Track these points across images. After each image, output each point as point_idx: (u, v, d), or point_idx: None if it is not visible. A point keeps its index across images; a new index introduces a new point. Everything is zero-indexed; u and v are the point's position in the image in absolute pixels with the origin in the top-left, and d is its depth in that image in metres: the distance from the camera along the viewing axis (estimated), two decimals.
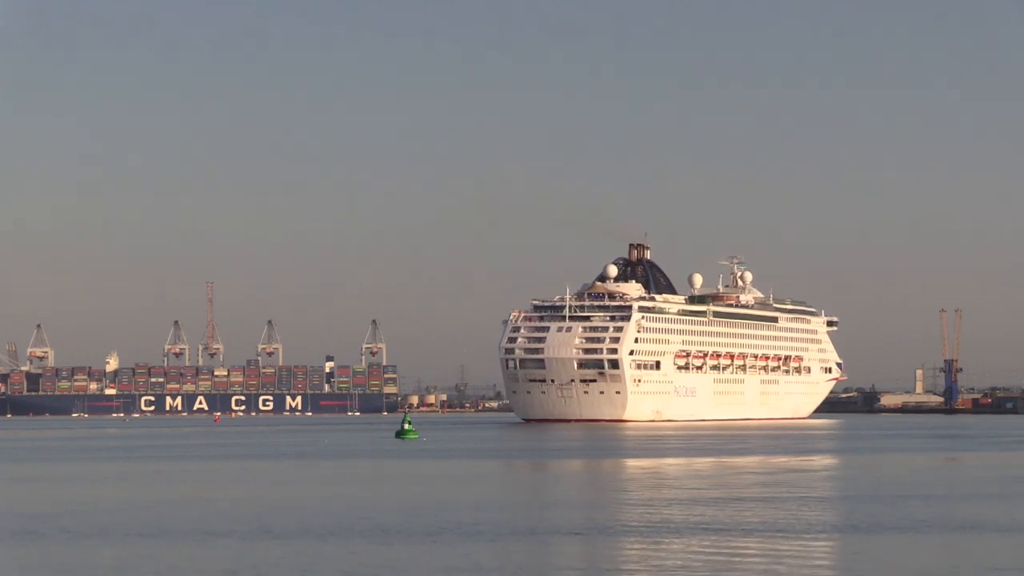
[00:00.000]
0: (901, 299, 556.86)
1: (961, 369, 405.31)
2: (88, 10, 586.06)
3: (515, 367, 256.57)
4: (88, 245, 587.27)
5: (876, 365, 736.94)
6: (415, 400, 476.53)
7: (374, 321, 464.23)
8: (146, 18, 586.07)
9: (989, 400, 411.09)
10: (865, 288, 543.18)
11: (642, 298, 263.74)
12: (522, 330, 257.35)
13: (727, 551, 44.57)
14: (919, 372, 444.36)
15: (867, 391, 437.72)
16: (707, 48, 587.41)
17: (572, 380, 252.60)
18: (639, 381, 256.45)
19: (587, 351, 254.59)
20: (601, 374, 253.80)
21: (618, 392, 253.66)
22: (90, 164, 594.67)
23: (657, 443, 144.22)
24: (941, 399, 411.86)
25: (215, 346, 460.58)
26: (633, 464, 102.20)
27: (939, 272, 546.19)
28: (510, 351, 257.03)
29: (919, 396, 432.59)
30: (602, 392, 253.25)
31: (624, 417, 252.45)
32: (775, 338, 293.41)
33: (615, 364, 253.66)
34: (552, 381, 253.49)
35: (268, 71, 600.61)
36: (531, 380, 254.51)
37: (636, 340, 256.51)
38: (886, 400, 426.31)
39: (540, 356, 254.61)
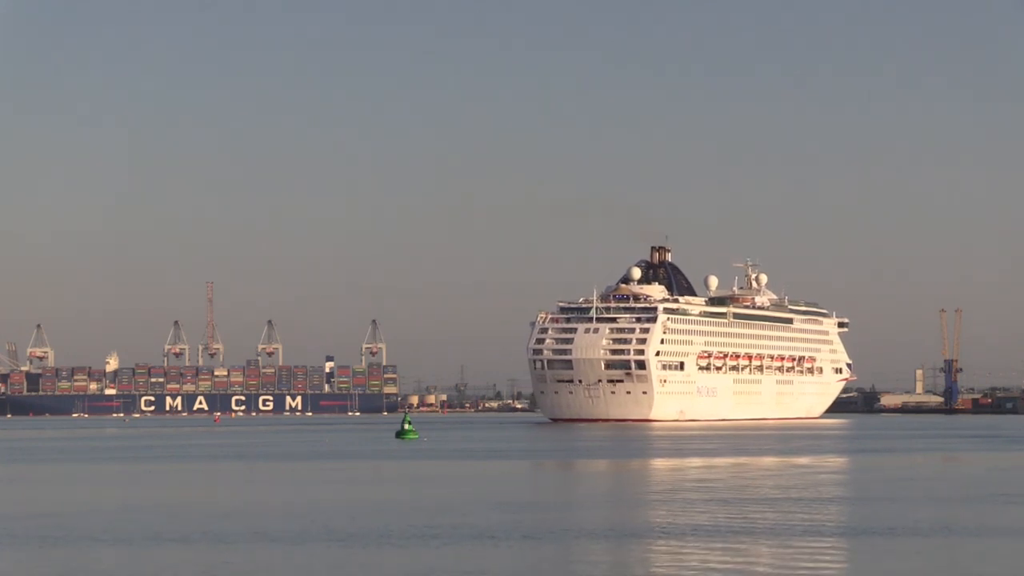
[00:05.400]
0: (901, 299, 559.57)
1: (961, 369, 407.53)
2: (89, 12, 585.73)
3: (543, 368, 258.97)
4: (88, 245, 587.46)
5: (876, 365, 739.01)
6: (415, 400, 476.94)
7: (374, 321, 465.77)
8: (146, 20, 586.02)
9: (989, 400, 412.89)
10: (865, 288, 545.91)
11: (666, 300, 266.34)
12: (550, 331, 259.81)
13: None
14: (919, 372, 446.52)
15: (867, 391, 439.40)
16: (716, 53, 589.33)
17: (599, 380, 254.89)
18: (664, 381, 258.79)
19: (614, 352, 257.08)
20: (628, 374, 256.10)
21: (644, 392, 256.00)
22: (90, 165, 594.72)
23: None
24: (941, 399, 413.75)
25: (215, 346, 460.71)
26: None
27: (939, 272, 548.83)
28: (538, 352, 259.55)
29: (919, 396, 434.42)
30: (629, 392, 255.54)
31: (650, 417, 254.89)
32: (790, 339, 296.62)
33: (642, 365, 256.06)
34: (580, 381, 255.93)
35: (269, 73, 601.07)
36: (559, 380, 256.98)
37: (662, 341, 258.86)
38: (886, 400, 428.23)
39: (568, 357, 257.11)
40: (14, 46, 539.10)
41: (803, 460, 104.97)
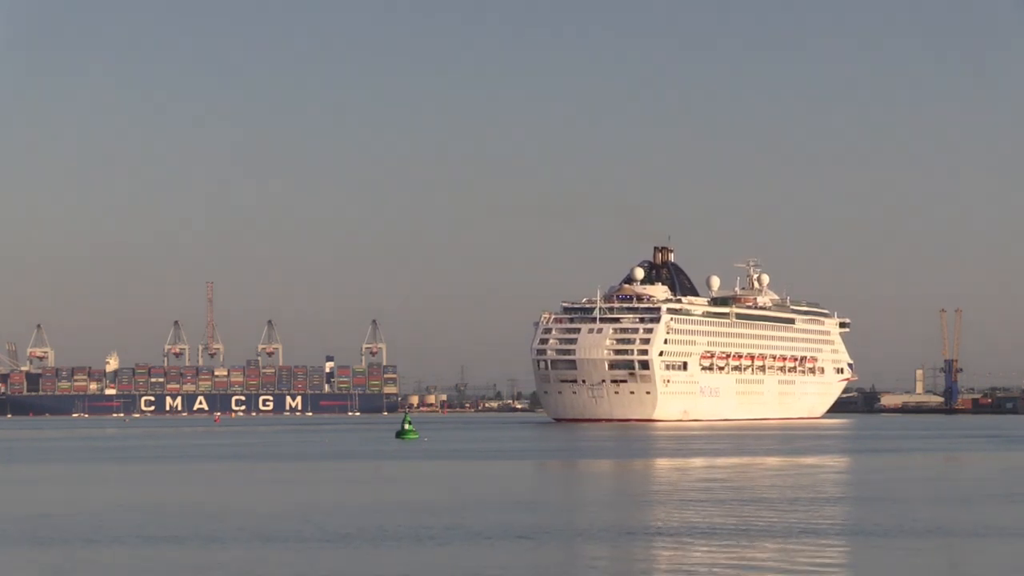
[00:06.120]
0: (901, 299, 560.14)
1: (961, 369, 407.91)
2: (89, 12, 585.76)
3: (547, 368, 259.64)
4: (88, 245, 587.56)
5: (876, 365, 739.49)
6: (415, 400, 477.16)
7: (374, 321, 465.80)
8: (146, 20, 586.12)
9: (989, 400, 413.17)
10: (865, 288, 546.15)
11: (669, 300, 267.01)
12: (553, 331, 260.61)
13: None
14: (919, 372, 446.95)
15: (867, 391, 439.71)
16: (719, 53, 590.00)
17: (603, 380, 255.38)
18: (668, 381, 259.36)
19: (618, 352, 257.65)
20: (632, 374, 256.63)
21: (648, 392, 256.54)
22: (90, 165, 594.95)
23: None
24: (941, 399, 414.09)
25: (215, 346, 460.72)
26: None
27: (939, 272, 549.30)
28: (542, 352, 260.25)
29: (919, 396, 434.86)
30: (632, 392, 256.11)
31: (653, 417, 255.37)
32: (792, 339, 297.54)
33: (646, 365, 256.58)
34: (583, 381, 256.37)
35: (269, 74, 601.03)
36: (562, 380, 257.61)
37: (665, 341, 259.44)
38: (886, 400, 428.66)
39: (572, 357, 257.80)
40: (13, 47, 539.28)
41: (806, 460, 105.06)
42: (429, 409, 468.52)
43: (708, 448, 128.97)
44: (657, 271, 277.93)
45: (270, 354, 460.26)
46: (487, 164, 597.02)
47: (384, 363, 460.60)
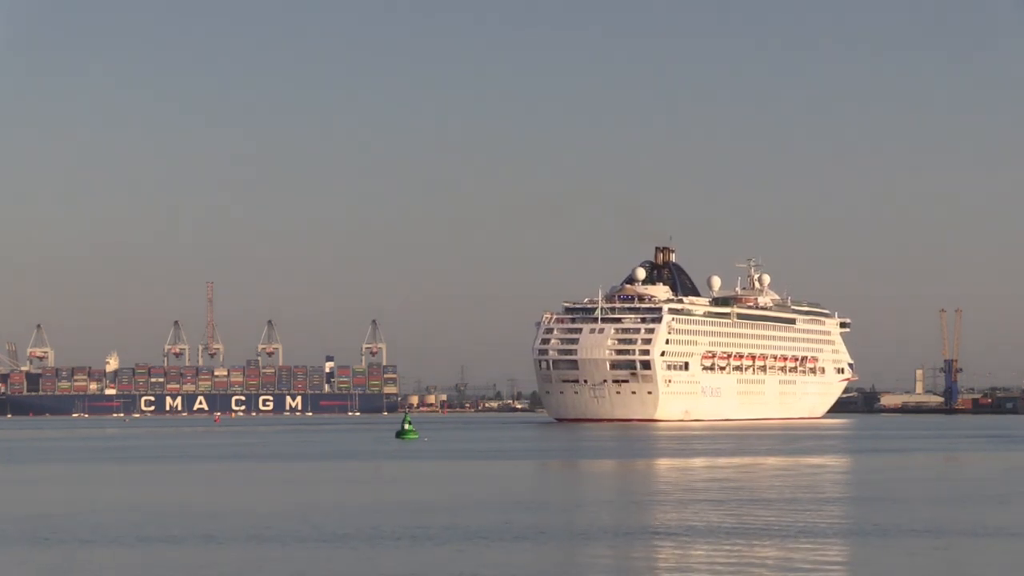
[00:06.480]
0: (901, 299, 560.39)
1: (961, 369, 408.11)
2: (90, 11, 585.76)
3: (548, 368, 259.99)
4: (88, 245, 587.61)
5: (876, 365, 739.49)
6: (415, 400, 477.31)
7: (374, 321, 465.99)
8: (145, 20, 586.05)
9: (989, 400, 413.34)
10: (866, 288, 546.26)
11: (670, 300, 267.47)
12: (555, 331, 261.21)
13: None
14: (919, 372, 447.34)
15: (867, 391, 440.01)
16: (720, 53, 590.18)
17: (605, 380, 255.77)
18: (669, 382, 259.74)
19: (620, 352, 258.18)
20: (633, 374, 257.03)
21: (650, 392, 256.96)
22: (90, 164, 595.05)
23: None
24: (941, 399, 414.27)
25: (215, 346, 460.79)
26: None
27: (939, 272, 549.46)
28: (543, 352, 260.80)
29: (919, 396, 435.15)
30: (634, 392, 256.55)
31: (655, 417, 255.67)
32: (793, 339, 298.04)
33: (647, 365, 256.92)
34: (585, 381, 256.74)
35: (269, 71, 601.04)
36: (564, 380, 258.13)
37: (667, 341, 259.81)
38: (886, 400, 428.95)
39: (573, 357, 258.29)
40: (13, 47, 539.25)
41: (807, 460, 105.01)
42: (429, 409, 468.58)
43: (709, 448, 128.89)
44: (658, 271, 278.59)
45: (270, 354, 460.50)
46: (487, 164, 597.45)
47: (384, 363, 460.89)
